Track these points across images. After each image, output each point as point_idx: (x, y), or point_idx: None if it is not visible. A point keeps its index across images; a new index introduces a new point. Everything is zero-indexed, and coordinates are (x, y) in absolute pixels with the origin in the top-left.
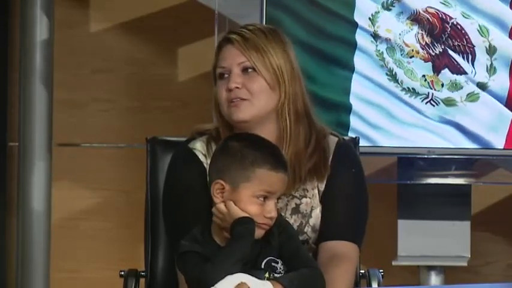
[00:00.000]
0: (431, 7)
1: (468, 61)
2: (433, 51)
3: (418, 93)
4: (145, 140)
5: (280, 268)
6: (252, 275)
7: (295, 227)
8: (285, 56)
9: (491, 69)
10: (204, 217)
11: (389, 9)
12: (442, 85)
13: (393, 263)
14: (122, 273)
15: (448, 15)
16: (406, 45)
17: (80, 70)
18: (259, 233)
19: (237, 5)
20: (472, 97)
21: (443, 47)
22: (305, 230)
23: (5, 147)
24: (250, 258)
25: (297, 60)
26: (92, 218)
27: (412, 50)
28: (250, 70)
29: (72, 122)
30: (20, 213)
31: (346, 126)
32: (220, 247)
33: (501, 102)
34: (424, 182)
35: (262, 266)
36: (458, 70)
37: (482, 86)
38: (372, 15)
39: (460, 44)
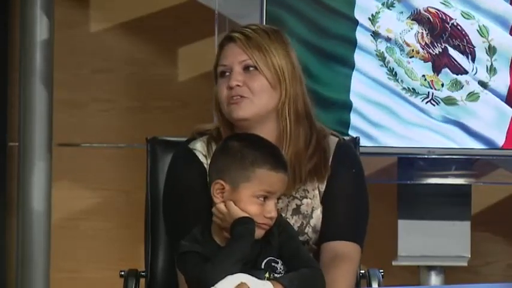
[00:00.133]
0: (432, 7)
1: (469, 60)
2: (433, 51)
3: (418, 92)
4: (146, 140)
5: (280, 268)
6: (252, 275)
7: (295, 227)
8: (286, 56)
9: (491, 70)
10: (204, 217)
11: (390, 9)
12: (442, 85)
13: (393, 263)
14: (122, 273)
15: (448, 16)
16: (407, 44)
17: (80, 70)
18: (259, 233)
19: (237, 5)
20: (472, 97)
21: (443, 46)
22: (306, 230)
23: (5, 147)
24: (250, 258)
25: (298, 60)
26: (92, 218)
27: (413, 50)
28: (251, 68)
29: (72, 122)
30: (20, 213)
31: (347, 125)
32: (220, 247)
33: (501, 100)
34: (424, 182)
35: (262, 266)
36: (458, 70)
37: (483, 85)
38: (372, 15)
39: (460, 43)
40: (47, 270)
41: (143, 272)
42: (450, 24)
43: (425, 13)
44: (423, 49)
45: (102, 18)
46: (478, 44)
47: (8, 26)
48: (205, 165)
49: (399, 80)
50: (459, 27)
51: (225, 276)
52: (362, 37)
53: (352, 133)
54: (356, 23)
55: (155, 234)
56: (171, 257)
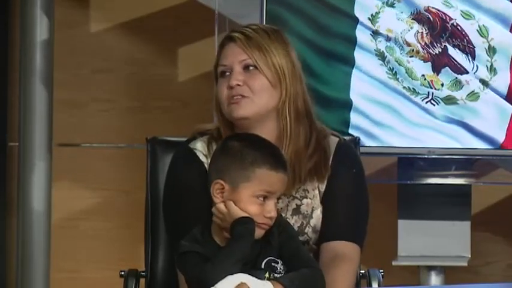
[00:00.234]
0: (432, 7)
1: (469, 60)
2: (432, 50)
3: (418, 92)
4: (146, 140)
5: (280, 268)
6: (252, 275)
7: (295, 227)
8: (286, 55)
9: (491, 70)
10: (204, 217)
11: (390, 7)
12: (442, 85)
13: (393, 263)
14: (122, 273)
15: (448, 16)
16: (407, 44)
17: (80, 70)
18: (259, 233)
19: (237, 5)
20: (472, 96)
21: (443, 46)
22: (306, 230)
23: (5, 147)
24: (250, 258)
25: (299, 58)
26: (92, 218)
27: (413, 50)
28: (251, 68)
29: (72, 122)
30: (20, 213)
31: (347, 123)
32: (220, 247)
33: (502, 97)
34: (424, 182)
35: (262, 266)
36: (458, 70)
37: (484, 83)
38: (371, 15)
39: (460, 43)
40: (47, 270)
41: (143, 272)
42: (450, 24)
43: (426, 13)
44: (423, 49)
45: (102, 18)
46: (478, 44)
47: (8, 26)
48: (206, 165)
49: (399, 79)
50: (459, 27)
51: (225, 276)
52: (362, 35)
53: (353, 132)
54: (356, 21)
55: (155, 234)
56: (171, 257)
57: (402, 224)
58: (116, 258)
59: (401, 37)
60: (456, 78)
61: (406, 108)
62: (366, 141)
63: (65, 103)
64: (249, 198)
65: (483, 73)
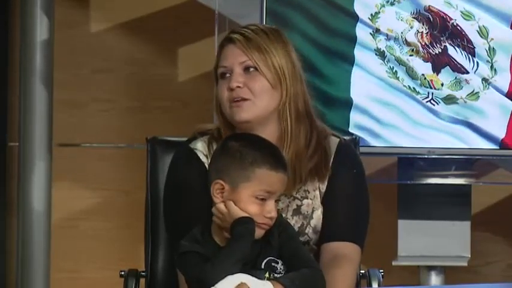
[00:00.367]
0: (433, 6)
1: (469, 60)
2: (432, 50)
3: (418, 92)
4: (146, 140)
5: (281, 268)
6: (252, 275)
7: (296, 228)
8: (286, 56)
9: (491, 71)
10: (204, 217)
11: (391, 5)
12: (442, 84)
13: (393, 263)
14: (122, 273)
15: (448, 16)
16: (408, 43)
17: (80, 70)
18: (259, 233)
19: (237, 5)
20: (472, 96)
21: (443, 46)
22: (306, 231)
23: (5, 147)
24: (250, 258)
25: (300, 55)
26: (92, 218)
27: (413, 50)
28: (252, 69)
29: (72, 122)
30: (20, 213)
31: (348, 121)
32: (220, 247)
33: (502, 94)
34: (424, 182)
35: (262, 266)
36: (458, 69)
37: (485, 82)
38: (371, 15)
39: (460, 43)
40: (47, 270)
41: (143, 272)
42: (450, 24)
43: (426, 12)
44: (423, 49)
45: (102, 18)
46: (478, 44)
47: (8, 26)
48: (206, 165)
49: (399, 78)
50: (459, 28)
51: (225, 276)
52: (362, 33)
53: (355, 131)
54: (356, 18)
55: (155, 234)
56: (171, 257)
57: (402, 224)
58: (115, 258)
59: (401, 36)
60: (456, 77)
61: (409, 107)
62: (369, 140)
63: (65, 103)
64: (249, 198)
65: (484, 72)
